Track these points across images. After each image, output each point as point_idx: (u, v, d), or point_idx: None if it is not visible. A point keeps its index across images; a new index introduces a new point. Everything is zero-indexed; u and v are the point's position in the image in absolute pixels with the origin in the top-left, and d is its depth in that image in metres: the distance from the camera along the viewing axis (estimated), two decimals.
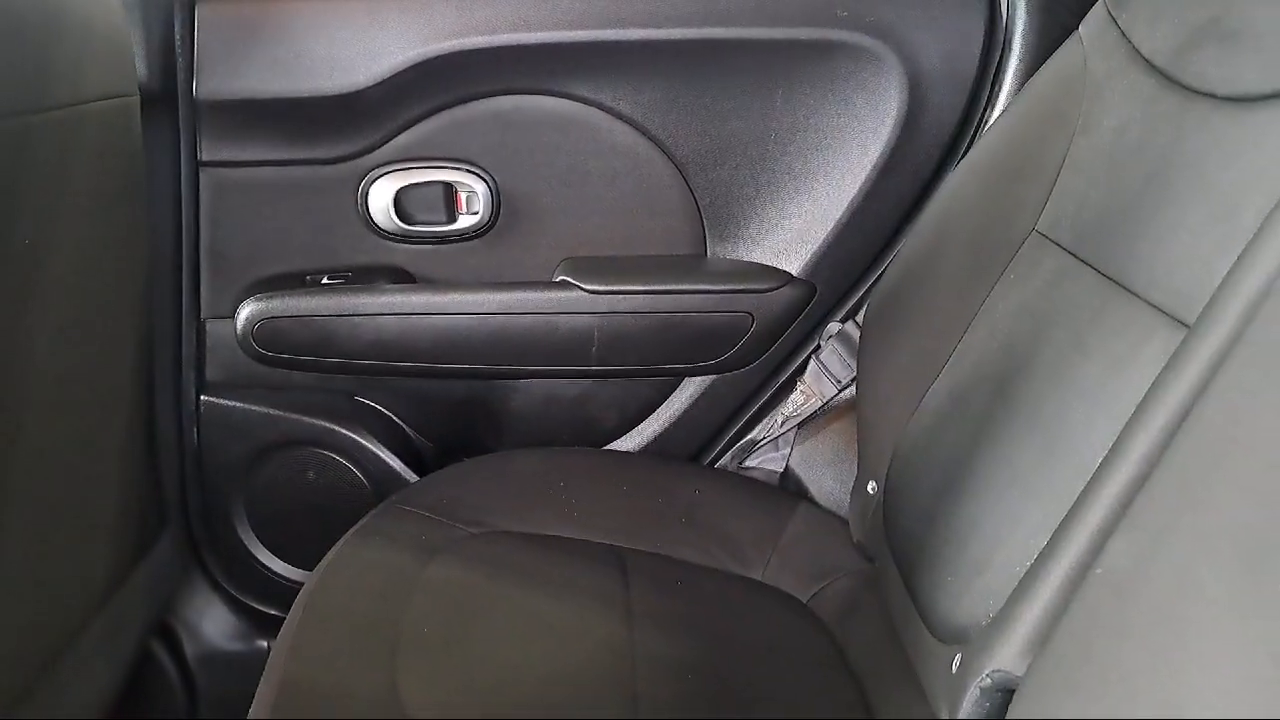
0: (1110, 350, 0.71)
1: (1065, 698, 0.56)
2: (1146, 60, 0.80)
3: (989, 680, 0.64)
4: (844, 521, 1.02)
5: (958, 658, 0.69)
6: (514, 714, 0.72)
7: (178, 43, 0.99)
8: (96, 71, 0.81)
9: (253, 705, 0.73)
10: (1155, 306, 0.68)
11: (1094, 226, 0.79)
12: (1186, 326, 0.64)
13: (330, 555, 0.88)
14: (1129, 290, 0.72)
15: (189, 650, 1.14)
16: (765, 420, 1.13)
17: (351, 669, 0.74)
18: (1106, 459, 0.63)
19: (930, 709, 0.73)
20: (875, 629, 0.89)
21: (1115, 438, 0.64)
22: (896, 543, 0.87)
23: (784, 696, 0.82)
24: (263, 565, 1.15)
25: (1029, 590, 0.64)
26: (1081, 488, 0.65)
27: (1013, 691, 0.63)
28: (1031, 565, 0.66)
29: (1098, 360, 0.72)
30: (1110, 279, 0.74)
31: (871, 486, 0.95)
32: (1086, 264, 0.78)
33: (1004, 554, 0.71)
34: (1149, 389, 0.62)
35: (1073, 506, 0.64)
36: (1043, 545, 0.66)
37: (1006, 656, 0.64)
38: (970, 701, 0.66)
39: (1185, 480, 0.54)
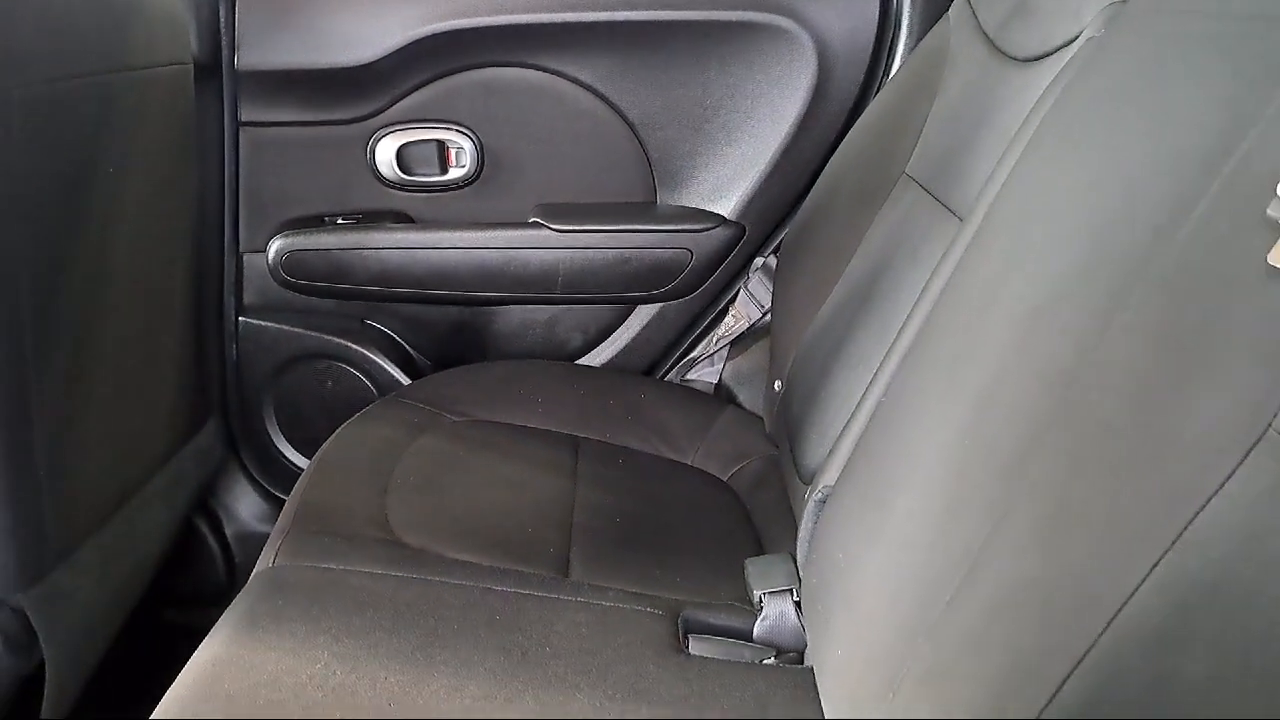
0: (932, 255, 0.91)
1: (851, 487, 0.78)
2: (984, 33, 1.01)
3: (820, 495, 0.86)
4: (761, 420, 1.23)
5: (809, 490, 0.91)
6: (473, 532, 0.94)
7: (222, 22, 1.22)
8: (163, 42, 1.04)
9: (277, 522, 0.96)
10: (959, 218, 0.89)
11: (938, 166, 1.00)
12: None
13: (341, 428, 1.11)
14: (949, 210, 0.93)
15: (227, 529, 1.38)
16: (704, 341, 1.35)
17: (352, 499, 0.97)
18: (902, 326, 0.84)
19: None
20: (774, 495, 1.10)
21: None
22: (789, 423, 1.08)
23: (694, 537, 1.04)
24: (287, 459, 1.38)
25: (848, 428, 0.86)
26: None
27: None
28: (853, 412, 0.87)
29: (923, 264, 0.92)
30: (941, 203, 0.95)
31: (777, 385, 1.16)
32: (930, 194, 0.99)
33: (846, 411, 0.92)
34: (934, 269, 0.83)
35: (879, 365, 0.85)
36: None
37: (830, 475, 0.85)
38: (809, 514, 0.87)
39: (933, 328, 0.75)
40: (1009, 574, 0.54)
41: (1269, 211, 0.46)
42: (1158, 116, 0.56)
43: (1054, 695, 0.49)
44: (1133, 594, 0.47)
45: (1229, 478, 0.45)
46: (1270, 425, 0.44)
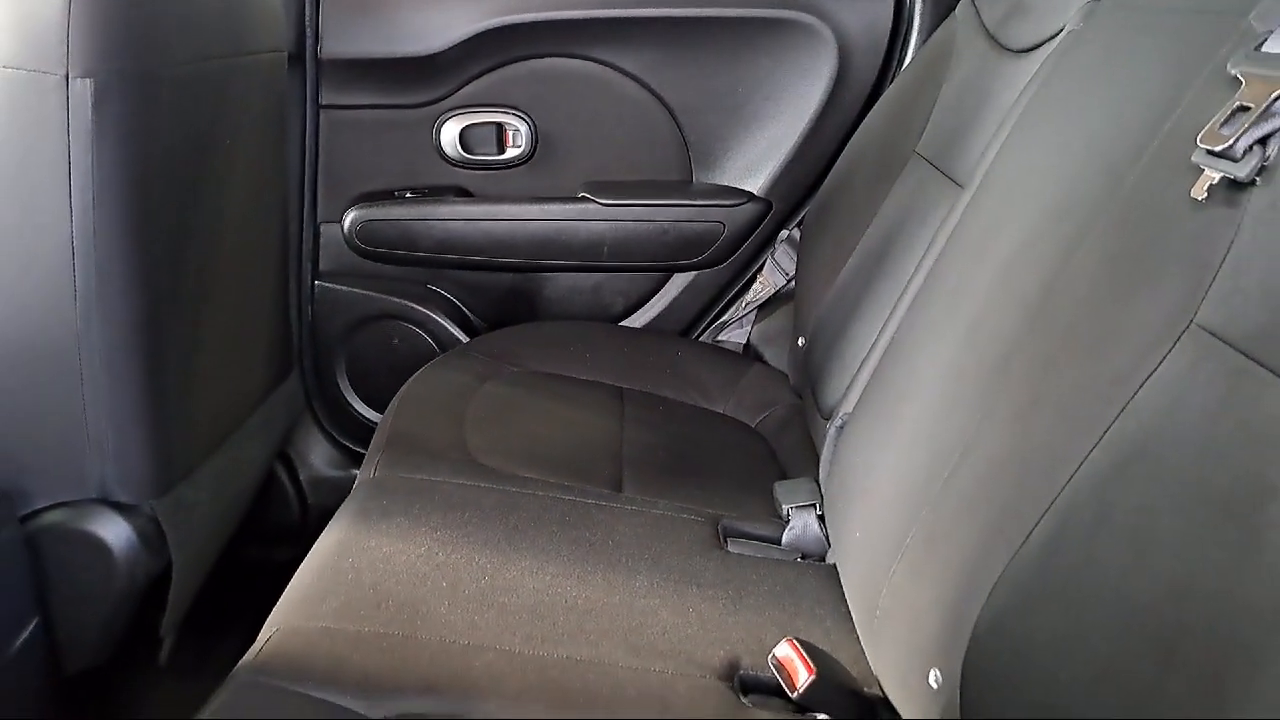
0: (938, 218, 1.06)
1: (867, 409, 0.92)
2: (986, 28, 1.15)
3: (840, 422, 1.00)
4: (785, 375, 1.38)
5: (828, 422, 1.05)
6: (538, 457, 1.09)
7: (307, 15, 1.37)
8: (265, 31, 1.19)
9: (369, 450, 1.10)
10: (960, 185, 1.03)
11: (943, 143, 1.14)
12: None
13: (416, 374, 1.25)
14: (953, 180, 1.07)
15: (301, 474, 1.52)
16: (734, 305, 1.50)
17: (434, 429, 1.12)
18: (911, 278, 0.98)
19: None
20: (798, 436, 1.24)
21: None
22: (811, 371, 1.22)
23: (727, 469, 1.18)
24: (356, 411, 1.53)
25: (864, 365, 1.00)
26: None
27: None
28: (868, 350, 1.01)
29: (930, 227, 1.07)
30: (945, 175, 1.09)
31: (800, 340, 1.30)
32: (936, 168, 1.13)
33: (862, 354, 1.06)
34: (938, 228, 0.97)
35: (891, 310, 1.00)
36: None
37: (849, 405, 0.99)
38: (829, 440, 1.01)
39: (936, 274, 0.89)
40: (995, 450, 0.69)
41: (1193, 158, 0.60)
42: (1116, 90, 0.71)
43: (1028, 536, 0.63)
44: (1087, 456, 0.61)
45: (1161, 362, 0.59)
46: (1193, 319, 0.59)
